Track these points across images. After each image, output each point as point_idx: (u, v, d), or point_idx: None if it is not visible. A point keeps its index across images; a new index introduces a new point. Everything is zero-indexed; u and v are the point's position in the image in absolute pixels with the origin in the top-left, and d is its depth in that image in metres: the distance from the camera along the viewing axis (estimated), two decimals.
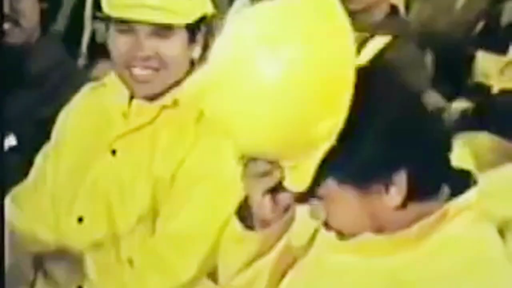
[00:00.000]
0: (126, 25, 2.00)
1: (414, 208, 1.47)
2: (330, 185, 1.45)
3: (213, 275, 2.00)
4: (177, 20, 2.00)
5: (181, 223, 2.00)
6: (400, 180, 1.44)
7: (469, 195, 1.49)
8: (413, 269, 1.47)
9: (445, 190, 1.49)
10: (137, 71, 2.01)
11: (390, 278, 1.48)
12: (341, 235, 1.51)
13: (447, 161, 1.49)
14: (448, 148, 1.49)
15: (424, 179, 1.46)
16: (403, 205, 1.46)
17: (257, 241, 1.61)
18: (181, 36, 2.02)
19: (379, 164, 1.44)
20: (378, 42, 1.54)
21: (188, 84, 2.05)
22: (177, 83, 2.05)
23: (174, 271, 1.99)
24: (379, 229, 1.49)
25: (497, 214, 1.56)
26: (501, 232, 1.58)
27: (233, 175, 1.92)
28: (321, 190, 1.47)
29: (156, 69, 2.02)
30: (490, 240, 1.51)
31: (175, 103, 2.04)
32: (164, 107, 2.04)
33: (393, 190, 1.45)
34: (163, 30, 2.00)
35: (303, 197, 1.50)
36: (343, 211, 1.48)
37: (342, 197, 1.46)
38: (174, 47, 2.01)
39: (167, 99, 2.04)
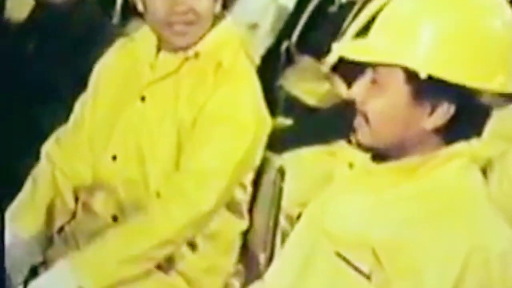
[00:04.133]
0: None
1: (434, 144, 1.53)
2: (395, 75, 1.51)
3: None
4: None
5: (202, 160, 2.05)
6: (448, 110, 1.49)
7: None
8: (400, 204, 1.54)
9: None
10: (177, 25, 2.07)
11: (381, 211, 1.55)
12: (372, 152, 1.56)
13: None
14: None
15: (462, 126, 1.52)
16: (430, 134, 1.51)
17: None
18: None
19: (442, 86, 1.48)
20: None
21: (207, 38, 2.13)
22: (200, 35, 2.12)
23: (195, 202, 2.04)
24: (400, 146, 1.54)
25: (482, 155, 1.60)
26: (484, 172, 1.65)
27: (249, 118, 2.08)
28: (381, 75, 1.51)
29: (192, 23, 2.08)
30: (474, 187, 1.55)
31: (197, 55, 2.12)
32: (186, 58, 2.12)
33: (436, 114, 1.49)
34: None
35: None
36: (389, 105, 1.51)
37: (395, 88, 1.50)
38: (204, 2, 2.09)
39: (189, 51, 2.11)
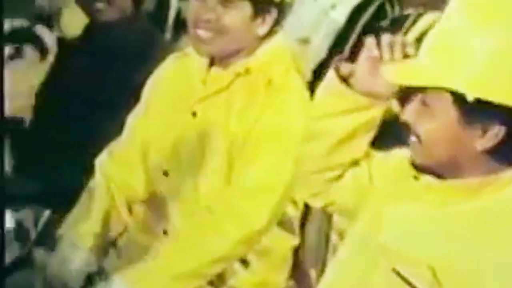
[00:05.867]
0: None
1: (489, 164, 1.49)
2: (444, 98, 1.47)
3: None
4: None
5: (253, 177, 2.05)
6: (499, 132, 1.45)
7: None
8: (461, 222, 1.50)
9: None
10: (199, 31, 2.09)
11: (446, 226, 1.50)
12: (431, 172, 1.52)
13: None
14: None
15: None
16: (484, 155, 1.47)
17: None
18: (243, 9, 2.08)
19: (492, 108, 1.44)
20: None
21: (258, 54, 2.12)
22: (248, 53, 2.12)
23: (248, 220, 2.04)
24: (454, 166, 1.50)
25: None
26: None
27: (300, 134, 2.06)
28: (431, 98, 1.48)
29: (215, 33, 2.08)
30: None
31: (247, 71, 2.10)
32: (238, 74, 2.11)
33: (487, 136, 1.45)
34: (228, 0, 2.06)
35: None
36: (440, 127, 1.48)
37: (444, 111, 1.47)
38: (234, 17, 2.07)
39: (240, 68, 2.11)
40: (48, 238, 2.19)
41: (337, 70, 1.64)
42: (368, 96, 1.62)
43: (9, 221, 1.94)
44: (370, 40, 1.61)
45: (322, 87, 1.68)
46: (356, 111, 1.63)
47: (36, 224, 2.00)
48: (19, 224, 1.99)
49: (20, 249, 2.13)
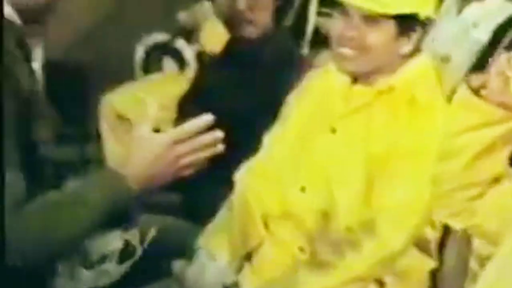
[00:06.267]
0: (343, 9, 2.07)
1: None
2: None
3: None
4: (381, 9, 2.03)
5: (395, 197, 2.02)
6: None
7: None
8: None
9: None
10: (342, 48, 2.08)
11: None
12: None
13: None
14: None
15: None
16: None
17: None
18: (388, 28, 2.06)
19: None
20: None
21: (402, 72, 2.09)
22: (391, 70, 2.09)
23: (387, 240, 2.02)
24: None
25: None
26: None
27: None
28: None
29: (358, 50, 2.06)
30: None
31: (391, 88, 2.08)
32: (380, 92, 2.09)
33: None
34: (372, 18, 2.04)
35: None
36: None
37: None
38: (378, 36, 2.06)
39: (383, 85, 2.09)
40: (186, 250, 2.21)
41: (468, 82, 1.60)
42: (503, 107, 1.57)
43: (118, 241, 1.98)
44: (503, 57, 1.57)
45: (455, 102, 1.65)
46: (491, 124, 1.60)
47: (142, 243, 2.03)
48: (126, 244, 2.02)
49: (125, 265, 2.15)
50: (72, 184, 1.76)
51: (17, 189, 1.67)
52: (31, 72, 1.95)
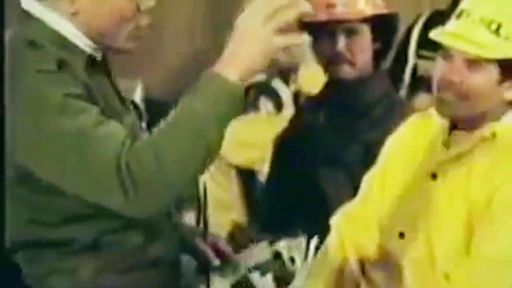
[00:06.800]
0: (445, 52, 2.04)
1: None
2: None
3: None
4: (487, 54, 1.99)
5: (497, 246, 1.97)
6: None
7: None
8: None
9: None
10: (442, 93, 2.04)
11: None
12: None
13: None
14: None
15: None
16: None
17: None
18: (491, 72, 2.02)
19: None
20: None
21: (506, 118, 2.06)
22: (494, 117, 2.05)
23: None
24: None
25: None
26: None
27: None
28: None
29: (459, 95, 2.03)
30: None
31: (493, 135, 2.04)
32: (483, 138, 2.05)
33: None
34: (475, 62, 2.00)
35: None
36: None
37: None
38: (480, 80, 2.01)
39: (486, 132, 2.05)
40: None
41: None
42: None
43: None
44: None
45: None
46: None
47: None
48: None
49: None
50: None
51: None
52: (135, 107, 2.00)
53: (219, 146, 1.77)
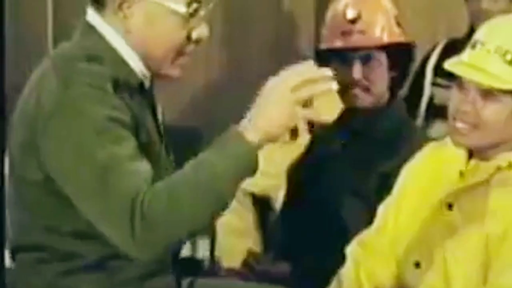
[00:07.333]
0: (460, 81, 2.03)
1: None
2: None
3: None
4: (496, 84, 1.99)
5: None
6: None
7: None
8: None
9: None
10: (457, 122, 2.04)
11: None
12: None
13: None
14: None
15: None
16: None
17: None
18: (505, 103, 2.01)
19: None
20: None
21: None
22: (510, 146, 2.04)
23: None
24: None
25: None
26: None
27: None
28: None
29: (472, 126, 2.02)
30: None
31: (510, 165, 2.03)
32: (499, 168, 2.04)
33: None
34: (490, 92, 2.00)
35: None
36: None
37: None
38: (494, 111, 2.01)
39: (502, 161, 2.04)
40: None
41: None
42: None
43: None
44: None
45: None
46: None
47: None
48: None
49: None
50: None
51: None
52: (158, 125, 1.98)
53: (231, 200, 1.79)
